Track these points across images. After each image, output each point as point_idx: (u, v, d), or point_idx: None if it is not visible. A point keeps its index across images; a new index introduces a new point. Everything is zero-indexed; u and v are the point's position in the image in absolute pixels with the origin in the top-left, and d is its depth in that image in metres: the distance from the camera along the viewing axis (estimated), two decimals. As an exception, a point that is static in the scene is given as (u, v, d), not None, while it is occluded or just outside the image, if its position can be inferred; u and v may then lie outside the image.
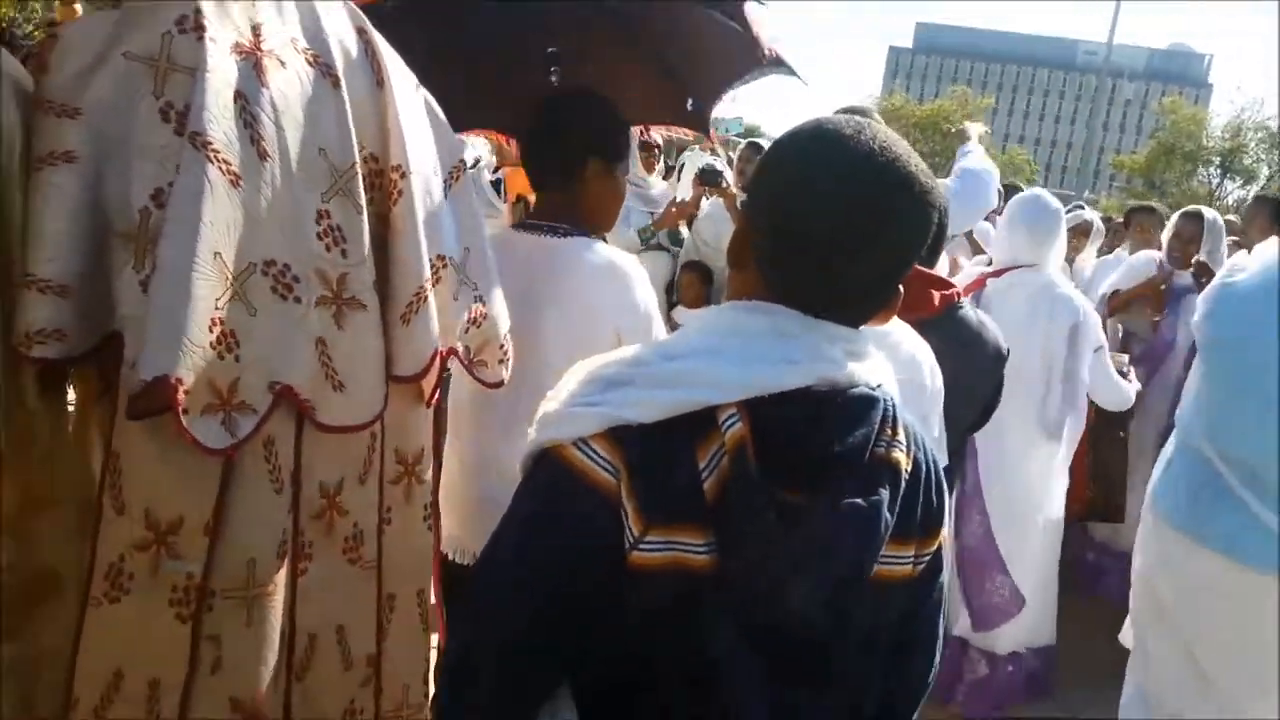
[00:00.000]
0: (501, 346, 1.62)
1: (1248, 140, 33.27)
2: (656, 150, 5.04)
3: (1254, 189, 32.30)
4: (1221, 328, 2.07)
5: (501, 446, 1.71)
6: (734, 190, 4.34)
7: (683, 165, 6.06)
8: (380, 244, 1.42)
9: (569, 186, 1.82)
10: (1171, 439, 2.26)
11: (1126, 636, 2.42)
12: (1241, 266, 2.11)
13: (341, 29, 1.38)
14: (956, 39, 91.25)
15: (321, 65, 1.33)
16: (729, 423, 0.86)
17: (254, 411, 1.27)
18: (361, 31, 1.41)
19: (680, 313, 4.59)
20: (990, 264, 3.47)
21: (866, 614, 0.95)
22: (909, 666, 1.04)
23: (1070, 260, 4.62)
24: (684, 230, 4.76)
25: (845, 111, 2.47)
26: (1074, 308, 3.02)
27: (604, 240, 1.88)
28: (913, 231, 0.91)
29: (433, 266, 1.46)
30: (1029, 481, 3.11)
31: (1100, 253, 5.41)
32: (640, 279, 1.85)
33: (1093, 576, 3.78)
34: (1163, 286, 3.89)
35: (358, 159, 1.35)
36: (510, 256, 1.78)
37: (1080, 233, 4.88)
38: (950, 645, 3.13)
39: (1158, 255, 4.08)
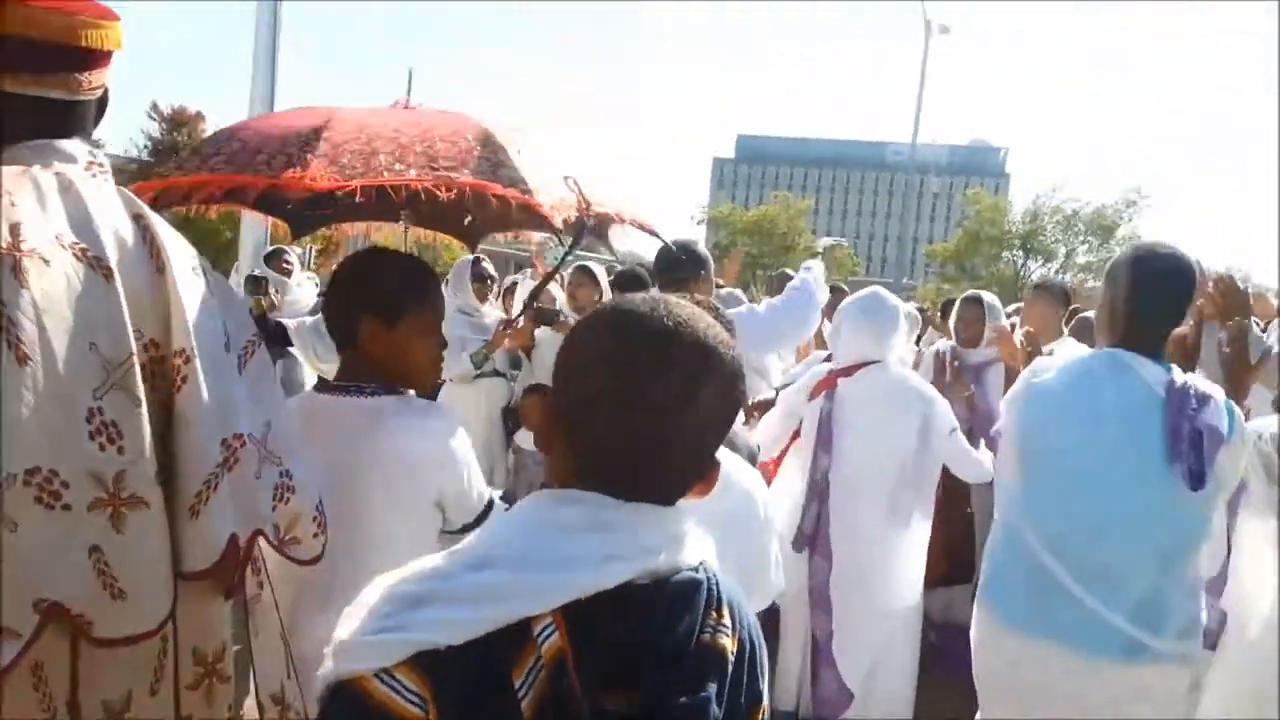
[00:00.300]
0: (315, 519, 1.55)
1: (1044, 224, 36.65)
2: (490, 281, 5.06)
3: (1054, 266, 35.54)
4: (1029, 421, 2.29)
5: (316, 618, 1.59)
6: (570, 322, 4.40)
7: (514, 285, 6.14)
8: (164, 433, 1.35)
9: (354, 346, 1.81)
10: (994, 529, 2.38)
11: None
12: (1046, 367, 2.36)
13: (115, 218, 1.34)
14: (775, 148, 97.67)
15: (91, 258, 1.27)
16: (544, 634, 0.82)
17: (17, 637, 1.16)
18: (139, 218, 1.37)
19: (523, 435, 4.55)
20: (828, 358, 3.65)
21: None
22: None
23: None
24: (522, 354, 4.78)
25: (676, 244, 2.56)
26: (923, 398, 3.24)
27: (415, 395, 1.85)
28: (720, 405, 0.91)
29: (229, 446, 1.39)
30: (883, 571, 3.24)
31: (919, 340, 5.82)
32: (452, 427, 1.84)
33: (937, 656, 3.92)
34: (955, 363, 4.20)
35: (134, 349, 1.29)
36: (318, 421, 1.74)
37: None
38: None
39: (949, 343, 4.47)
